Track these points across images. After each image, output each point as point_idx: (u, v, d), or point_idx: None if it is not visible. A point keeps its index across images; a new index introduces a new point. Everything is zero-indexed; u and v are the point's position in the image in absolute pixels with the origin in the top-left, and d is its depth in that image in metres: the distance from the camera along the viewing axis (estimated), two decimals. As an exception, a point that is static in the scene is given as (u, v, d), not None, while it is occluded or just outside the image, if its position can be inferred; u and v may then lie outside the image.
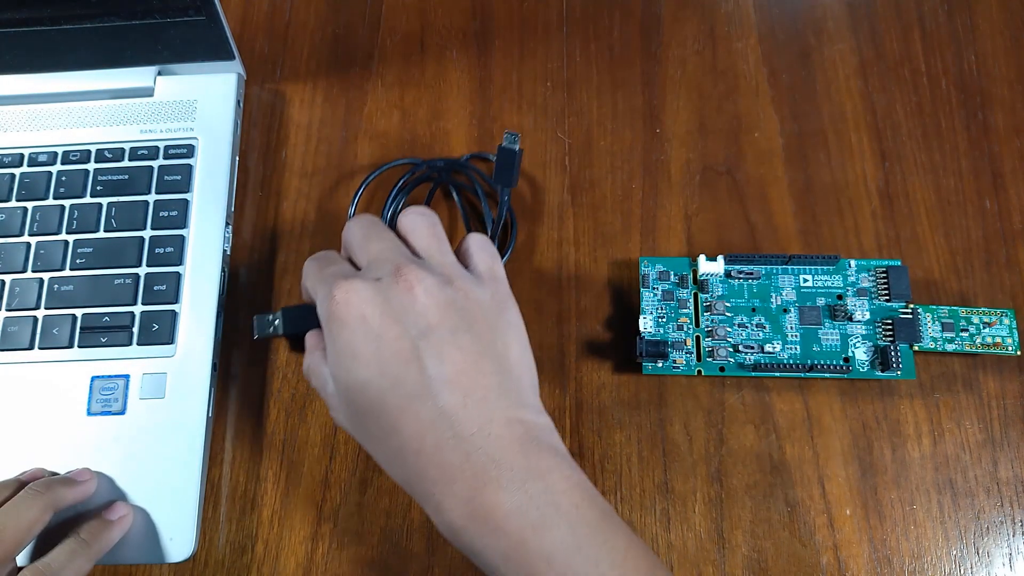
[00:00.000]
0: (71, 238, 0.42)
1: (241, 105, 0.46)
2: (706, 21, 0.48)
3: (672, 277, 0.41)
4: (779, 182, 0.44)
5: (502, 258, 0.40)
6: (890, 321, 0.38)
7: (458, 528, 0.29)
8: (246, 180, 0.46)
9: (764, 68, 0.46)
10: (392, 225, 0.36)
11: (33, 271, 0.42)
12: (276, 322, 0.39)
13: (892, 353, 0.37)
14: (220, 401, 0.41)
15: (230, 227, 0.43)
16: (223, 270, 0.42)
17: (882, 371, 0.38)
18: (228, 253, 0.43)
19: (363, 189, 0.43)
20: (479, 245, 0.35)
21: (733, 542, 0.37)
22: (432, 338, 0.30)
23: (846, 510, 0.37)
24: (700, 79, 0.46)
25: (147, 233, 0.42)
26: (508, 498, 0.28)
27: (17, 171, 0.44)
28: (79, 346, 0.40)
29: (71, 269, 0.41)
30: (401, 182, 0.44)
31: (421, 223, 0.35)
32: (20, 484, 0.35)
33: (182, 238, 0.42)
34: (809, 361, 0.38)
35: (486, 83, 0.47)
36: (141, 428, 0.38)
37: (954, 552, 0.37)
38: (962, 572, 0.36)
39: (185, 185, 0.43)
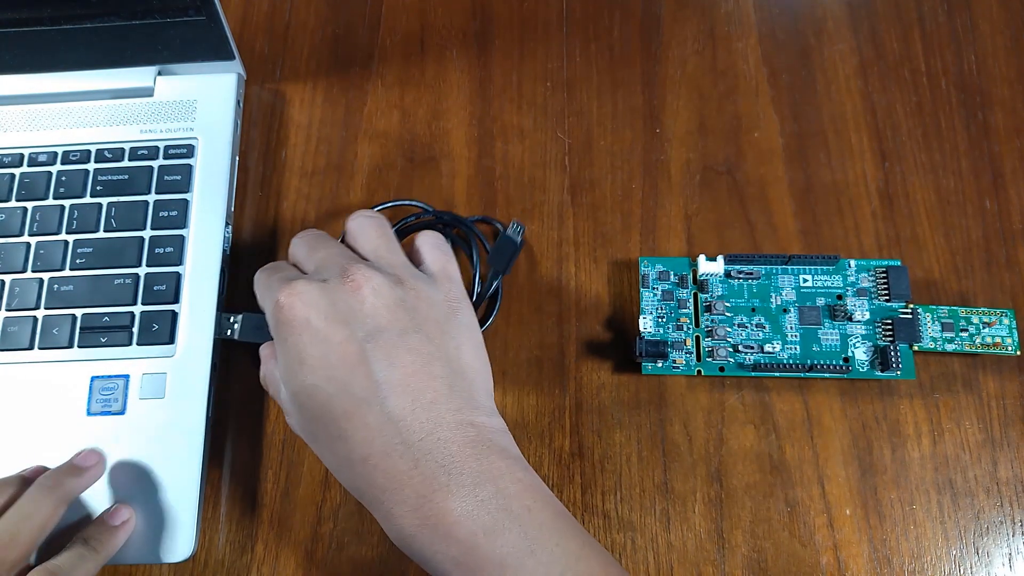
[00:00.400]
0: (71, 238, 0.42)
1: (241, 105, 0.46)
2: (706, 21, 0.48)
3: (672, 277, 0.41)
4: (779, 182, 0.44)
5: (481, 327, 0.40)
6: (890, 321, 0.38)
7: (408, 535, 0.28)
8: (246, 180, 0.46)
9: (764, 68, 0.46)
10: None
11: (33, 271, 0.42)
12: (235, 325, 0.39)
13: (892, 353, 0.37)
14: (220, 401, 0.41)
15: (230, 227, 0.43)
16: (223, 270, 0.42)
17: (882, 371, 0.38)
18: (228, 253, 0.43)
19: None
20: (432, 243, 0.35)
21: (733, 542, 0.37)
22: (380, 340, 0.30)
23: (846, 510, 0.37)
24: (700, 79, 0.46)
25: (147, 233, 0.42)
26: (458, 504, 0.28)
27: (17, 171, 0.44)
28: (79, 346, 0.40)
29: (71, 269, 0.41)
30: (402, 223, 0.43)
31: (369, 224, 0.34)
32: (24, 480, 0.35)
33: (182, 238, 0.42)
34: (809, 361, 0.38)
35: (486, 83, 0.47)
36: (141, 428, 0.38)
37: (954, 552, 0.37)
38: (962, 572, 0.36)
39: (185, 185, 0.43)
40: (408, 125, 0.46)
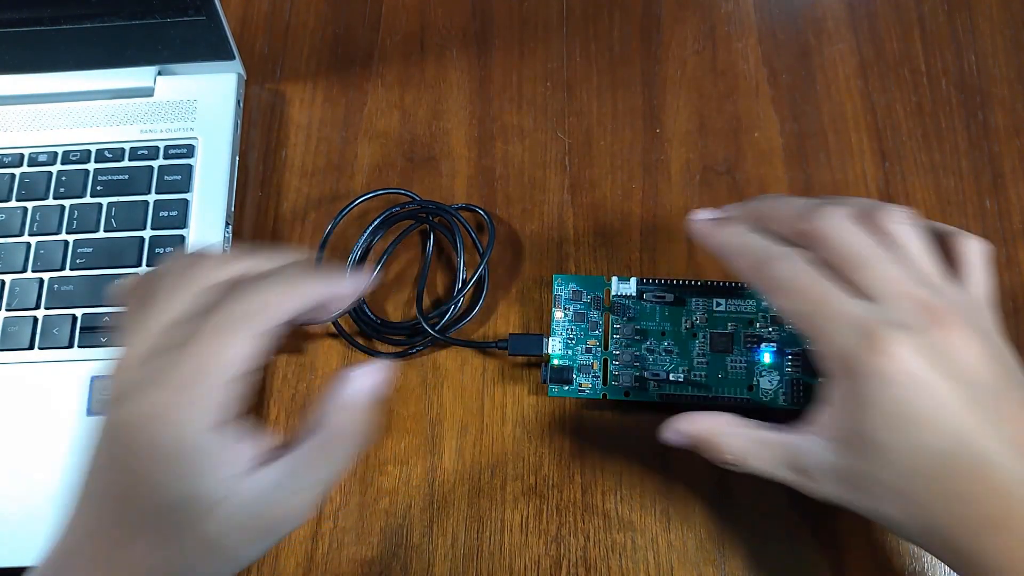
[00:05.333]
0: (71, 238, 0.42)
1: (241, 105, 0.46)
2: (706, 21, 0.48)
3: (584, 297, 0.39)
4: (779, 182, 0.44)
5: (467, 316, 0.40)
6: (799, 351, 0.37)
7: None
8: (246, 180, 0.46)
9: (764, 68, 0.46)
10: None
11: (33, 271, 0.42)
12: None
13: (800, 386, 0.36)
14: (220, 401, 0.41)
15: (230, 227, 0.43)
16: (223, 270, 0.42)
17: (790, 402, 0.37)
18: (228, 253, 0.43)
19: (349, 208, 0.42)
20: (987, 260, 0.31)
21: (734, 542, 0.37)
22: (983, 394, 0.27)
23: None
24: (700, 79, 0.46)
25: (147, 233, 0.42)
26: None
27: (17, 171, 0.44)
28: (79, 346, 0.40)
29: (71, 269, 0.42)
30: (387, 213, 0.42)
31: (914, 234, 0.30)
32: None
33: (182, 238, 0.42)
34: (713, 389, 0.37)
35: (486, 83, 0.47)
36: (141, 428, 0.38)
37: (954, 552, 0.36)
38: (962, 572, 0.36)
39: (185, 185, 0.43)
40: (408, 125, 0.46)
